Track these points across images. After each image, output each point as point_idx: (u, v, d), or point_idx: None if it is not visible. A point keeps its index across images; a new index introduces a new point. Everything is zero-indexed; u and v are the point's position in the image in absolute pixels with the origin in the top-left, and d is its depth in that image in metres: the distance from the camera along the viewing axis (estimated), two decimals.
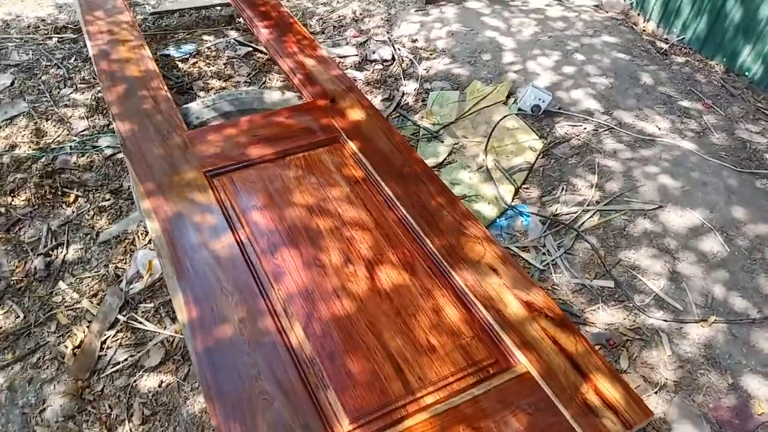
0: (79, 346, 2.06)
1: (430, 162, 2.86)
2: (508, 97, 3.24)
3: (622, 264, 2.39)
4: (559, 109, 3.14)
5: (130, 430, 1.84)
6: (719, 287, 2.27)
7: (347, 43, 3.82)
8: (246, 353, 1.68)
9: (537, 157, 2.88)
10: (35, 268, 2.37)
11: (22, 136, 3.01)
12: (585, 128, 3.01)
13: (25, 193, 2.69)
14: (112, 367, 2.02)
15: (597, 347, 2.10)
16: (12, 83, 3.32)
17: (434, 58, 3.61)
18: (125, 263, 2.39)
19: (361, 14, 4.13)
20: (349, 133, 2.46)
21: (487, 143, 2.90)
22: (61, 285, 2.32)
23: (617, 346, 2.12)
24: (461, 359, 1.69)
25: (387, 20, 4.03)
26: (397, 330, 1.76)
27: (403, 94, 3.38)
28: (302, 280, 1.89)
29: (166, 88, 2.72)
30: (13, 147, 2.95)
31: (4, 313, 2.21)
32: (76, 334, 2.12)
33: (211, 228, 2.04)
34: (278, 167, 2.31)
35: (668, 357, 2.08)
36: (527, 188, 2.76)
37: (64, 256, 2.44)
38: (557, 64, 3.43)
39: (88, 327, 2.14)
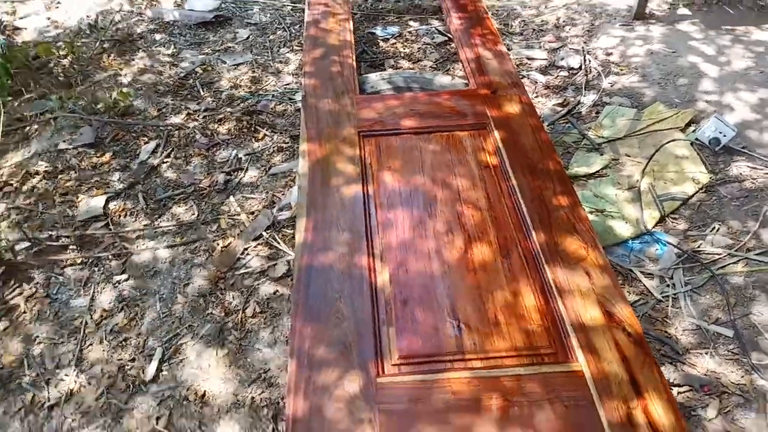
0: (226, 247, 2.51)
1: (581, 170, 2.83)
2: (688, 125, 3.04)
3: (751, 318, 2.17)
4: (743, 148, 2.86)
5: (241, 318, 2.22)
6: None
7: (540, 47, 3.87)
8: (336, 279, 1.93)
9: (698, 191, 2.69)
10: (217, 181, 2.91)
11: (242, 80, 3.64)
12: (766, 173, 2.72)
13: (229, 124, 3.28)
14: (245, 269, 2.43)
15: (686, 389, 1.97)
16: (247, 38, 4.00)
17: (623, 74, 3.51)
18: (282, 195, 2.81)
19: (564, 22, 4.14)
20: (498, 123, 2.58)
21: (647, 164, 2.79)
22: (231, 199, 2.81)
23: (711, 394, 1.96)
24: (521, 341, 1.75)
25: (588, 31, 3.99)
26: (471, 300, 1.87)
27: (579, 102, 3.36)
28: (405, 235, 2.09)
29: (354, 57, 3.08)
30: (234, 86, 3.59)
31: (186, 208, 2.77)
32: (228, 237, 2.58)
33: (347, 176, 2.33)
34: (421, 140, 2.52)
35: (767, 425, 1.87)
36: (675, 219, 2.60)
37: (241, 178, 2.95)
38: (759, 102, 3.11)
39: (238, 234, 2.58)
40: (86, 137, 3.23)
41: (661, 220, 2.60)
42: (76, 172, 3.02)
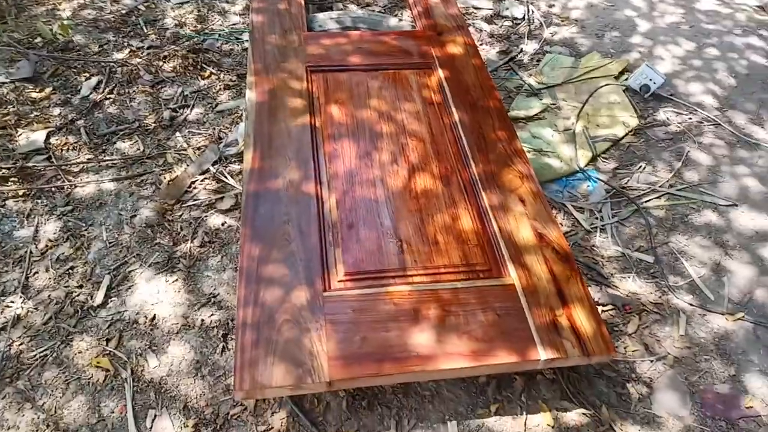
0: (173, 180, 2.52)
1: (521, 113, 2.96)
2: (621, 73, 3.21)
3: (670, 246, 2.37)
4: (671, 95, 3.05)
5: (190, 248, 2.25)
6: (763, 291, 2.19)
7: None
8: (284, 203, 2.00)
9: (627, 133, 2.87)
10: (163, 117, 2.88)
11: (187, 18, 3.56)
12: (689, 118, 2.92)
13: (174, 61, 3.22)
14: (192, 202, 2.45)
15: (610, 308, 2.16)
16: None
17: (564, 25, 3.63)
18: (229, 131, 2.81)
19: None
20: (443, 62, 2.65)
21: (581, 108, 2.94)
22: (177, 135, 2.80)
23: (631, 313, 2.15)
24: (458, 258, 1.88)
25: None
26: (413, 222, 1.98)
27: (521, 51, 3.47)
28: (351, 165, 2.16)
29: None
30: (179, 24, 3.51)
31: (132, 143, 2.74)
32: (174, 171, 2.58)
33: (294, 109, 2.36)
34: (368, 76, 2.57)
35: (679, 336, 2.08)
36: (606, 159, 2.77)
37: (187, 115, 2.93)
38: (686, 54, 3.31)
39: (185, 168, 2.59)
40: (24, 71, 3.11)
41: (593, 160, 2.77)
42: (14, 107, 2.92)
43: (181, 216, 2.41)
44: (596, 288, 2.22)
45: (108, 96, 3.02)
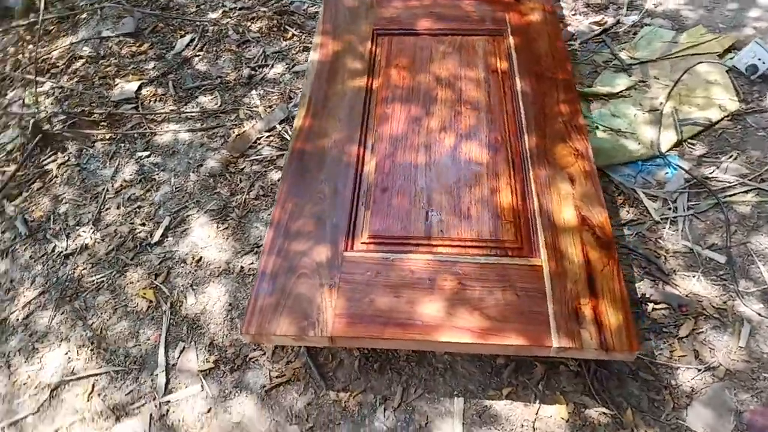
0: (241, 134, 2.63)
1: (604, 89, 2.75)
2: (728, 51, 2.86)
3: (748, 247, 2.12)
4: None
5: (245, 200, 2.36)
6: None
7: None
8: (326, 163, 2.02)
9: (723, 118, 2.57)
10: (242, 75, 3.01)
11: None
12: None
13: (261, 22, 3.34)
14: (255, 156, 2.56)
15: (663, 306, 1.98)
16: None
17: None
18: (300, 91, 2.88)
19: None
20: (516, 29, 2.52)
21: (673, 87, 2.67)
22: (253, 92, 2.91)
23: (688, 315, 1.96)
24: (488, 233, 1.80)
25: None
26: (449, 192, 1.92)
27: (618, 22, 3.20)
28: (399, 129, 2.13)
29: None
30: None
31: (212, 98, 2.89)
32: (244, 126, 2.69)
33: (354, 71, 2.37)
34: (435, 41, 2.51)
35: (738, 347, 1.87)
36: (693, 144, 2.51)
37: (265, 74, 3.03)
38: None
39: (254, 124, 2.70)
40: (128, 27, 3.37)
41: (678, 145, 2.51)
42: (116, 59, 3.19)
43: (243, 169, 2.52)
44: (651, 283, 2.04)
45: (197, 53, 3.19)
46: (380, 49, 2.49)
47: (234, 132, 2.69)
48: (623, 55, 2.97)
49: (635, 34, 3.10)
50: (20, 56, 3.27)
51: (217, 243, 2.21)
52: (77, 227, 2.29)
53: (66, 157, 2.61)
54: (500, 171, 1.97)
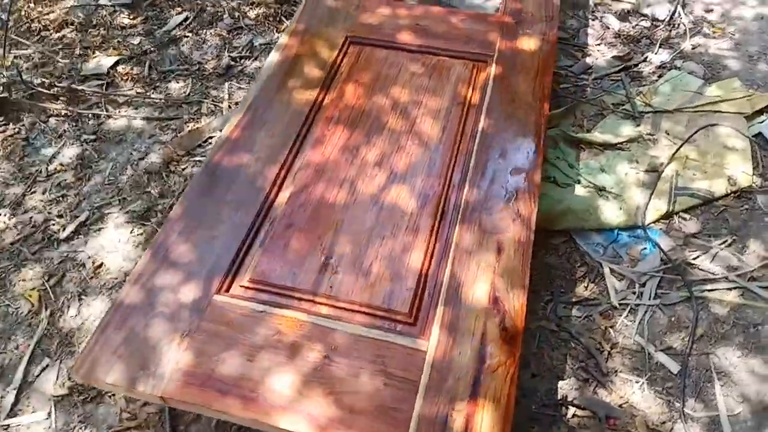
0: (193, 130, 2.46)
1: (601, 138, 2.41)
2: (760, 112, 2.45)
3: (711, 360, 1.78)
4: None
5: (171, 204, 2.19)
6: None
7: None
8: (236, 182, 1.82)
9: (729, 194, 2.19)
10: (221, 64, 2.83)
11: None
12: None
13: (259, 9, 3.14)
14: (201, 157, 2.37)
15: (587, 414, 1.68)
16: None
17: (714, 38, 2.87)
18: None
19: None
20: (503, 57, 2.22)
21: (680, 146, 2.30)
22: (225, 85, 2.73)
23: (615, 430, 1.66)
24: (380, 299, 1.56)
25: None
26: (357, 241, 1.68)
27: (645, 59, 2.82)
28: (330, 157, 1.90)
29: None
30: None
31: (183, 85, 2.74)
32: (200, 122, 2.52)
33: (309, 80, 2.14)
34: (408, 58, 2.24)
35: None
36: (685, 219, 2.15)
37: (245, 67, 2.84)
38: None
39: (210, 121, 2.52)
40: None
41: (667, 217, 2.16)
42: (105, 30, 3.08)
43: (183, 170, 2.35)
44: (581, 383, 1.74)
45: (187, 34, 3.04)
46: (346, 60, 2.24)
47: (188, 126, 2.52)
48: (639, 99, 2.60)
49: (660, 76, 2.73)
50: (19, 13, 3.20)
51: (125, 250, 2.06)
52: None
53: (16, 129, 2.52)
54: (422, 225, 1.71)
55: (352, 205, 1.76)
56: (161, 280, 1.58)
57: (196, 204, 1.76)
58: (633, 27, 3.04)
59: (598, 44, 2.96)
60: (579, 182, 2.26)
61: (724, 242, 2.06)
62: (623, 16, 3.11)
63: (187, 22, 3.12)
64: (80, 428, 1.62)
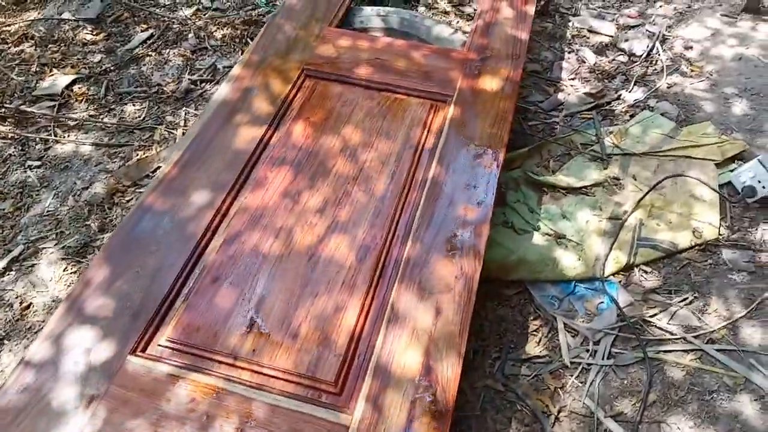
0: (141, 159, 2.36)
1: (565, 181, 2.32)
2: (731, 159, 2.37)
3: (663, 430, 1.69)
4: None
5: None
6: None
7: (613, 20, 3.19)
8: (165, 228, 1.71)
9: (693, 246, 2.11)
10: (179, 89, 2.74)
11: None
12: None
13: (226, 29, 3.05)
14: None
15: None
16: None
17: (691, 77, 2.80)
18: None
19: None
20: (462, 98, 2.13)
21: (646, 194, 2.22)
22: (182, 110, 2.64)
23: None
24: (306, 366, 1.46)
25: (681, 13, 3.20)
26: (288, 299, 1.59)
27: (618, 98, 2.74)
28: (270, 202, 1.81)
29: None
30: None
31: (138, 109, 2.65)
32: (150, 150, 2.42)
33: (257, 117, 2.05)
34: (364, 95, 2.15)
35: None
36: (647, 272, 2.07)
37: (205, 92, 2.75)
38: None
39: (159, 150, 2.42)
40: (91, 12, 3.16)
41: (628, 269, 2.07)
42: (65, 46, 2.98)
43: (127, 201, 2.25)
44: None
45: (149, 53, 2.94)
46: (300, 95, 2.15)
47: (137, 155, 2.42)
48: (608, 140, 2.52)
49: (633, 116, 2.65)
50: None
51: (56, 290, 1.96)
52: None
53: None
54: (359, 282, 1.62)
55: (286, 257, 1.66)
56: (74, 338, 1.48)
57: (120, 251, 1.66)
58: (609, 61, 2.97)
59: (572, 79, 2.88)
60: (538, 229, 2.17)
61: (684, 300, 1.97)
62: (600, 50, 3.03)
63: (151, 41, 3.03)
64: None
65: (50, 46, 2.99)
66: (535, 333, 1.94)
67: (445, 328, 1.52)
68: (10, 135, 2.48)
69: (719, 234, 2.13)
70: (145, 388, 1.40)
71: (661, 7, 3.27)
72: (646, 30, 3.10)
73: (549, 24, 3.19)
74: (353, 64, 2.24)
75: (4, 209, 2.20)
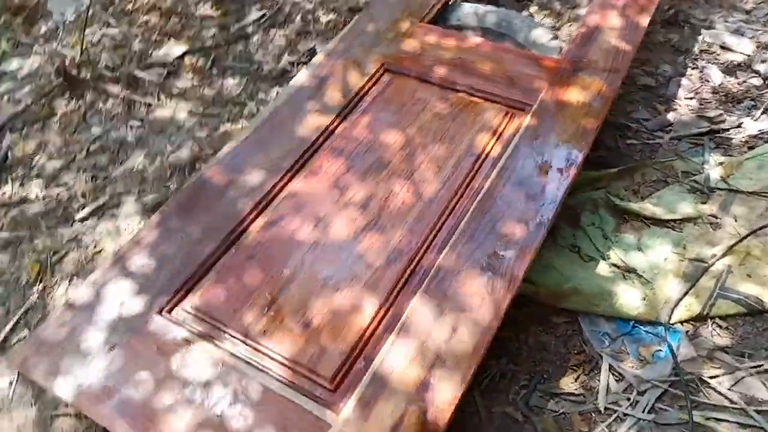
0: (226, 132, 2.48)
1: (651, 211, 2.10)
2: None
3: None
4: None
5: None
6: None
7: (754, 38, 2.82)
8: (218, 200, 1.80)
9: None
10: (276, 68, 2.84)
11: None
12: None
13: (330, 16, 3.11)
14: None
15: None
16: None
17: None
18: None
19: None
20: (542, 109, 2.00)
21: (741, 239, 1.95)
22: (274, 90, 2.74)
23: None
24: (309, 357, 1.47)
25: None
26: (309, 287, 1.60)
27: (739, 126, 2.43)
28: (318, 191, 1.83)
29: None
30: None
31: (236, 83, 2.78)
32: (237, 124, 2.54)
33: (329, 106, 2.07)
34: (438, 95, 2.10)
35: None
36: (721, 327, 1.83)
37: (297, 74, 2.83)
38: None
39: (244, 127, 2.52)
40: None
41: (700, 320, 1.84)
42: (185, 19, 3.20)
43: None
44: None
45: (257, 32, 3.08)
46: (375, 88, 2.14)
47: (223, 127, 2.55)
48: (715, 171, 2.25)
49: (752, 148, 2.33)
50: None
51: (125, 240, 2.12)
52: (31, 179, 2.36)
53: (78, 105, 2.70)
54: (382, 285, 1.59)
55: (320, 247, 1.68)
56: (113, 289, 1.61)
57: (173, 215, 1.76)
58: (739, 83, 2.63)
59: (690, 98, 2.59)
60: (606, 258, 1.99)
61: (758, 366, 1.71)
62: (730, 70, 2.70)
63: (262, 20, 3.16)
64: (30, 403, 1.70)
65: (173, 17, 3.22)
66: (575, 368, 1.79)
67: (457, 348, 1.44)
68: (121, 96, 2.72)
69: None
70: (160, 346, 1.48)
71: None
72: None
73: (675, 35, 2.89)
74: (435, 62, 2.19)
75: (102, 161, 2.43)
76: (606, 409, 1.68)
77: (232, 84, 2.79)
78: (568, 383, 1.75)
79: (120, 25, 3.09)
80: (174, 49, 2.98)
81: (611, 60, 2.16)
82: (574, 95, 2.03)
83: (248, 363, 1.45)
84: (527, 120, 1.97)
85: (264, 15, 3.20)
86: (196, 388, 1.41)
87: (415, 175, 1.84)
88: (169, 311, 1.57)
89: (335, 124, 2.01)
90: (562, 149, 1.85)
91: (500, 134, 1.95)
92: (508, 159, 1.85)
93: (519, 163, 1.81)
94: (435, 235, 1.69)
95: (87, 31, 3.08)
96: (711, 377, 1.71)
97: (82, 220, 2.21)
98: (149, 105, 2.68)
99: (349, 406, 1.36)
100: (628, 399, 1.70)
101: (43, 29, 3.11)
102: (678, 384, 1.70)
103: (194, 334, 1.51)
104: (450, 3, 2.55)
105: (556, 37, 2.37)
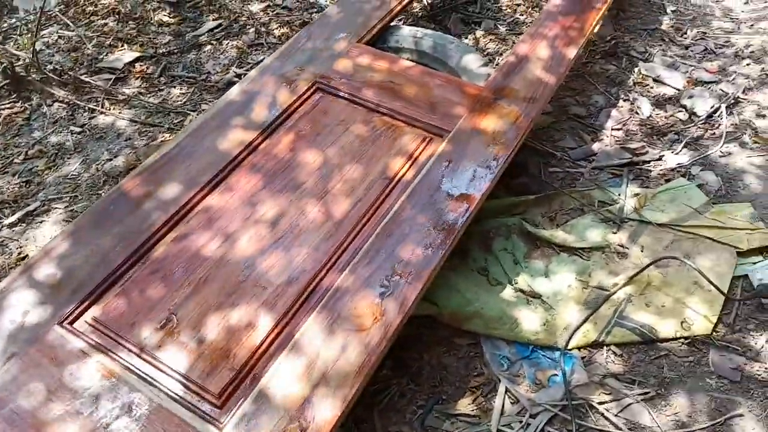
0: (164, 141, 2.52)
1: (562, 238, 2.19)
2: (757, 252, 2.11)
3: None
4: None
5: None
6: None
7: (687, 73, 2.92)
8: (136, 213, 1.84)
9: (678, 338, 1.91)
10: (223, 79, 2.88)
11: None
12: None
13: (284, 30, 3.17)
14: None
15: None
16: None
17: (752, 149, 2.50)
18: None
19: (751, 53, 3.02)
20: (459, 135, 2.07)
21: (641, 270, 2.04)
22: None
23: None
24: (198, 373, 1.52)
25: None
26: (209, 303, 1.65)
27: (660, 158, 2.53)
28: (231, 207, 1.88)
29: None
30: None
31: (182, 94, 2.82)
32: (175, 134, 2.58)
33: (255, 122, 2.12)
34: (362, 116, 2.16)
35: None
36: (617, 355, 1.91)
37: None
38: None
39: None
40: None
41: (596, 346, 1.92)
42: (142, 24, 3.25)
43: None
44: None
45: (211, 42, 3.13)
46: (303, 107, 2.20)
47: (162, 137, 2.60)
48: (630, 202, 2.33)
49: (669, 180, 2.43)
50: None
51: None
52: None
53: (23, 108, 2.72)
54: (278, 306, 1.64)
55: (223, 263, 1.73)
56: (18, 298, 1.65)
57: (85, 227, 1.80)
58: (666, 117, 2.73)
59: (617, 129, 2.69)
60: (513, 283, 2.07)
61: (645, 393, 1.79)
62: (660, 103, 2.80)
63: (217, 30, 3.21)
64: None
65: (130, 22, 3.26)
66: (473, 390, 1.86)
67: (343, 368, 1.50)
68: (66, 100, 2.75)
69: (714, 331, 1.91)
70: (57, 357, 1.52)
71: (748, 65, 2.94)
72: (720, 89, 2.80)
73: (613, 66, 2.99)
74: (365, 83, 2.25)
75: (37, 166, 2.46)
76: (498, 431, 1.75)
77: (177, 93, 2.84)
78: (465, 404, 1.82)
79: (77, 28, 3.11)
80: (126, 54, 3.03)
81: (532, 90, 2.24)
82: (490, 123, 2.11)
83: (140, 377, 1.50)
84: (442, 146, 2.04)
85: (220, 25, 3.26)
86: (86, 400, 1.45)
87: (328, 196, 1.90)
88: (71, 322, 1.61)
89: (258, 140, 2.06)
90: (470, 176, 1.92)
91: (416, 158, 2.02)
92: (419, 184, 1.91)
93: (426, 189, 1.88)
94: (339, 256, 1.75)
95: (45, 31, 3.11)
96: (600, 403, 1.78)
97: (11, 225, 2.24)
98: (92, 111, 2.72)
99: (231, 423, 1.41)
100: (521, 422, 1.77)
101: (5, 26, 3.13)
102: (567, 409, 1.77)
103: (91, 346, 1.55)
104: (391, 25, 2.61)
105: (487, 64, 2.44)
